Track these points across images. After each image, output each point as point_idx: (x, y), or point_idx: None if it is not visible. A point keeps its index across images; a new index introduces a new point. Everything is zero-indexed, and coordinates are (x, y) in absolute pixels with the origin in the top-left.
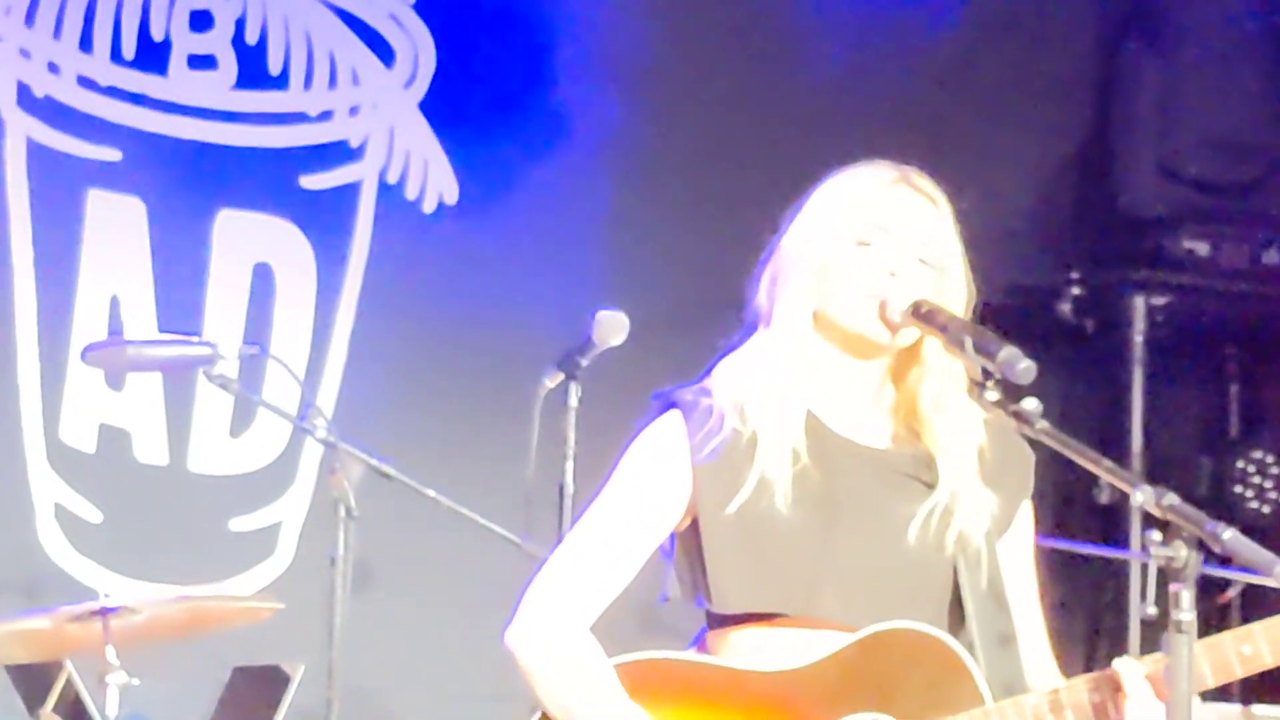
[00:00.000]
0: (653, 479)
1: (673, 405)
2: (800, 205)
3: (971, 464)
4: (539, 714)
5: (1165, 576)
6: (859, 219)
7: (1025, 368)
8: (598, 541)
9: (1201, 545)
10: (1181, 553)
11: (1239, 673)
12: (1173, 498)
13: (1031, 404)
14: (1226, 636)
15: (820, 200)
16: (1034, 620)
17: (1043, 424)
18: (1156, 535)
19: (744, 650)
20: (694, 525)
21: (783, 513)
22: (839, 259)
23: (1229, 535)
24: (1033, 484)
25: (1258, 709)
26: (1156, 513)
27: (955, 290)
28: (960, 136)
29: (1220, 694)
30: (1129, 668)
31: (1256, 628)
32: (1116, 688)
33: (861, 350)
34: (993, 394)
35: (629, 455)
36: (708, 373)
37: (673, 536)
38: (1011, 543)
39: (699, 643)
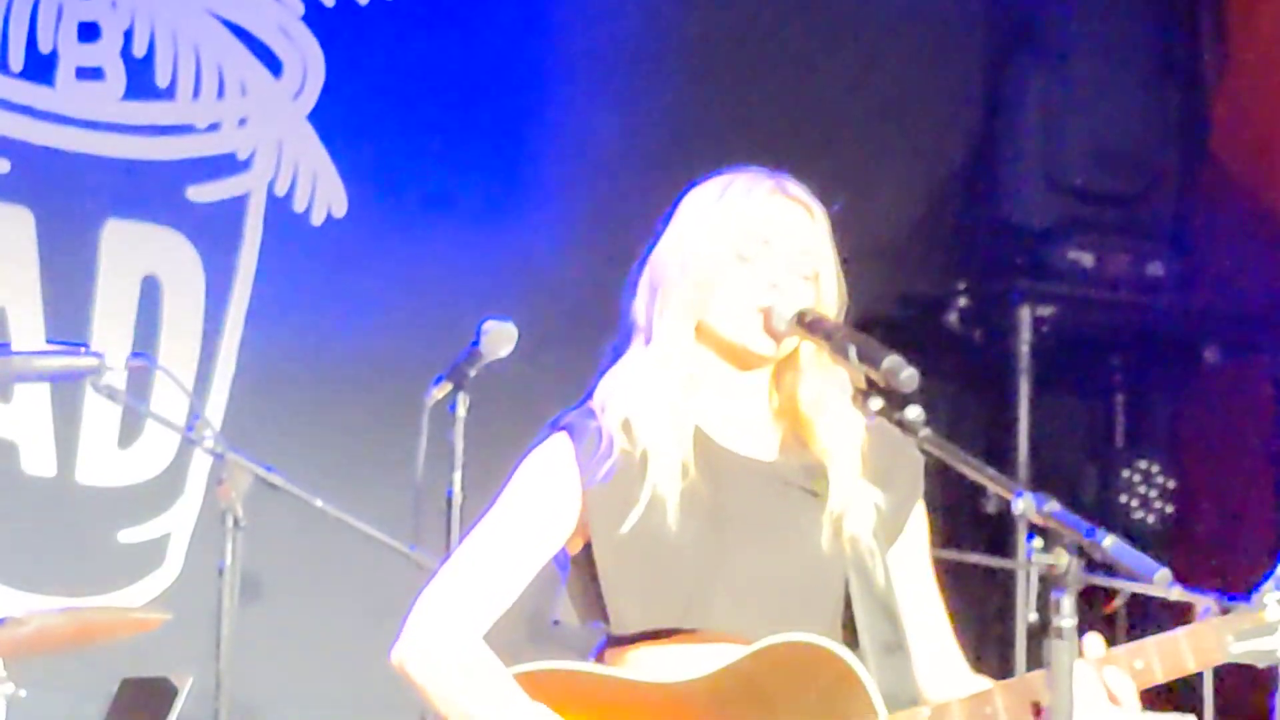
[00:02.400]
0: (539, 498)
1: (561, 429)
2: (673, 213)
3: (855, 463)
4: None
5: (1047, 584)
6: (739, 231)
7: (908, 375)
8: (483, 559)
9: (1083, 552)
10: (1062, 560)
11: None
12: (1054, 505)
13: (914, 412)
14: (1120, 651)
15: (697, 210)
16: (939, 621)
17: (925, 432)
18: (1038, 542)
19: (642, 665)
20: (587, 548)
21: (674, 530)
22: (720, 272)
23: (1109, 542)
24: (923, 486)
25: (1142, 716)
26: (1038, 520)
27: (830, 297)
28: (847, 146)
29: None
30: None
31: (1150, 643)
32: (1023, 698)
33: (744, 362)
34: (876, 402)
35: (516, 475)
36: (592, 390)
37: (566, 561)
38: (907, 546)
39: (596, 658)
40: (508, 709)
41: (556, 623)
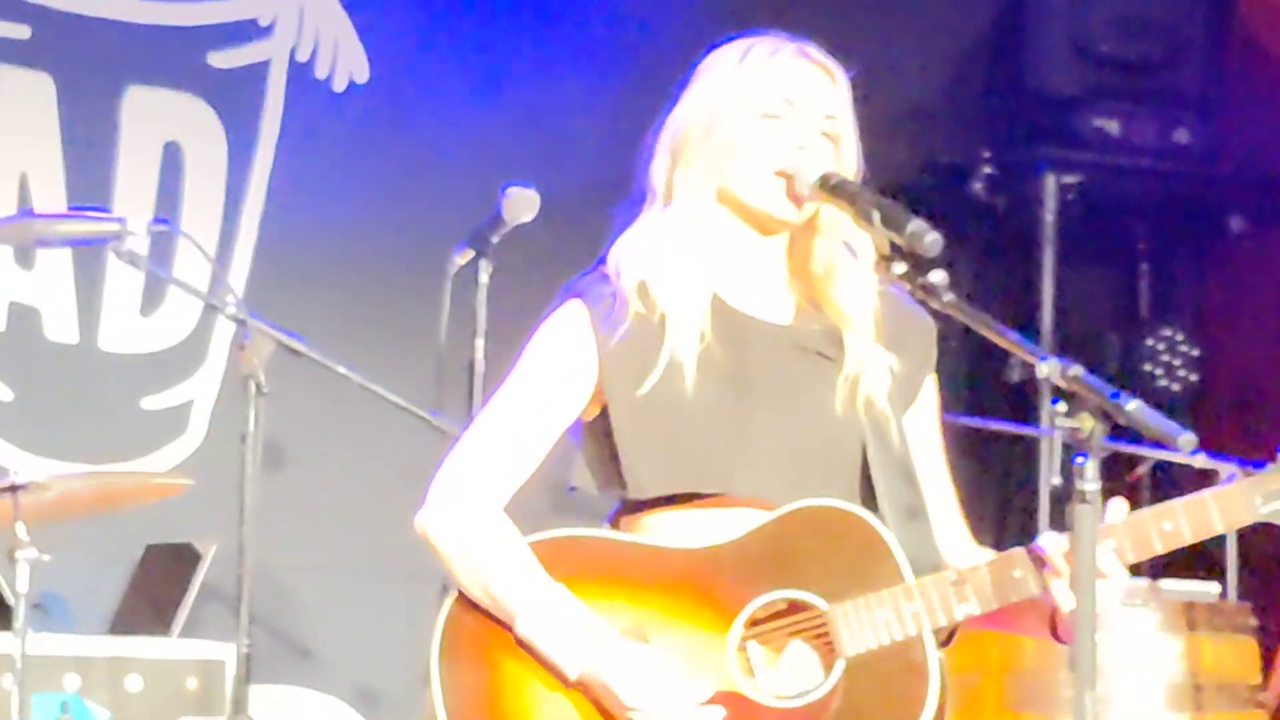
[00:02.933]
0: (556, 363)
1: (575, 294)
2: (692, 76)
3: (869, 325)
4: (454, 593)
5: (1070, 449)
6: (763, 92)
7: (932, 240)
8: (504, 427)
9: (1107, 416)
10: (1086, 424)
11: (1159, 549)
12: (1078, 369)
13: (938, 276)
14: (1147, 513)
15: (718, 73)
16: (946, 494)
17: (949, 297)
18: (1062, 407)
19: (660, 531)
20: (603, 413)
21: (691, 393)
22: (743, 133)
23: (1133, 406)
24: (935, 356)
25: (1165, 583)
26: (1062, 384)
27: (849, 162)
28: (872, 13)
29: (1130, 569)
30: (1054, 543)
31: (1177, 504)
32: (1040, 563)
33: (766, 227)
34: (899, 267)
35: (532, 343)
36: (604, 255)
37: (579, 426)
38: (918, 417)
39: (611, 524)
40: (524, 583)
41: (573, 489)
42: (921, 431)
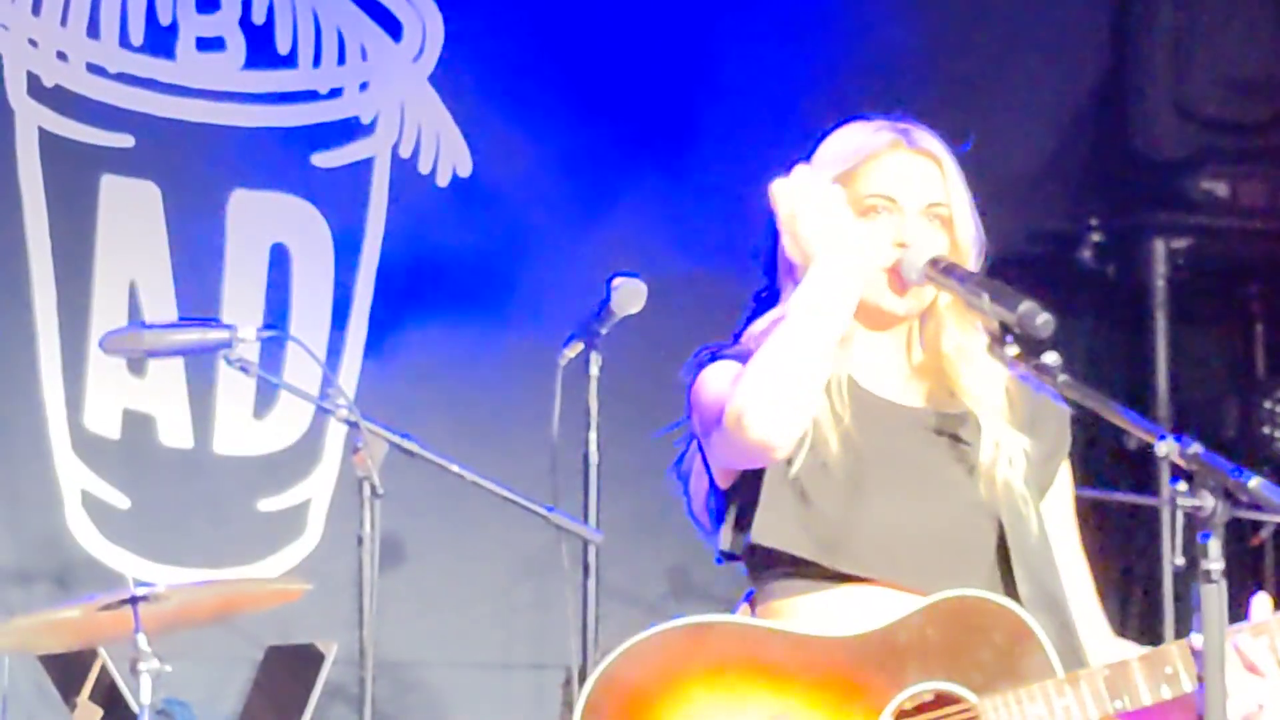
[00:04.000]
0: None
1: (728, 357)
2: (796, 166)
3: (1003, 409)
4: (589, 685)
5: (1193, 525)
6: (864, 190)
7: (1044, 321)
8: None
9: (1229, 494)
10: (1208, 502)
11: None
12: (1197, 447)
13: (1051, 357)
14: (1276, 619)
15: (821, 170)
16: (1084, 583)
17: (1064, 377)
18: (1182, 485)
19: (797, 616)
20: (736, 486)
21: (833, 467)
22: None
23: (1255, 483)
24: (1069, 441)
25: None
26: (1181, 463)
27: (965, 242)
28: (975, 83)
29: None
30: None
31: None
32: (1196, 658)
33: (878, 322)
34: (1012, 349)
35: (710, 376)
36: (737, 338)
37: (721, 494)
38: (1054, 503)
39: (749, 603)
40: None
41: (721, 561)
42: (1058, 518)
